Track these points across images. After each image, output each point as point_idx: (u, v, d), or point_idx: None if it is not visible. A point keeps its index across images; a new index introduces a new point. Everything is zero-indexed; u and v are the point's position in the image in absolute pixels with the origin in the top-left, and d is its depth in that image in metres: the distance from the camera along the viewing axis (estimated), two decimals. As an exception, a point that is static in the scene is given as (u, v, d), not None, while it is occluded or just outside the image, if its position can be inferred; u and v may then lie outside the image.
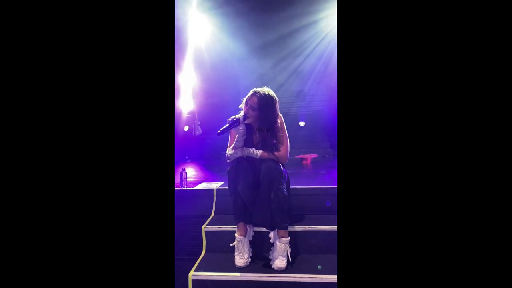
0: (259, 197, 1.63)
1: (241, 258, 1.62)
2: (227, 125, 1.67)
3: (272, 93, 1.71)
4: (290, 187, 1.81)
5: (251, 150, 1.69)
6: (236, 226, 1.70)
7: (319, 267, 1.48)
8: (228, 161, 1.73)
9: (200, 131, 4.19)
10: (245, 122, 1.69)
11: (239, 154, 1.69)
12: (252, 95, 1.70)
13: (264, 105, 1.67)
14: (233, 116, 1.68)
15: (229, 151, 1.72)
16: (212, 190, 2.12)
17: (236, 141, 1.69)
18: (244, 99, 1.73)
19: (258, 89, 1.70)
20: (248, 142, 1.73)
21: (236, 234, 1.66)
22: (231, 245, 1.67)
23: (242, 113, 1.69)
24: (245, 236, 1.66)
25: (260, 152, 1.69)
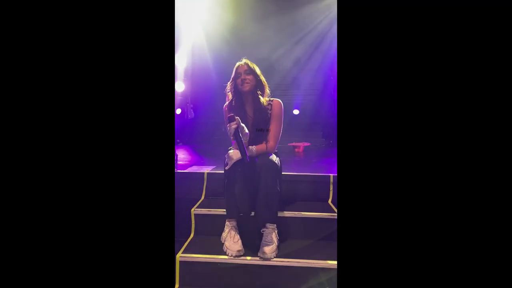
0: (257, 195, 1.59)
1: (236, 242, 1.58)
2: (232, 137, 1.51)
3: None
4: (282, 173, 1.81)
5: (249, 148, 1.63)
6: (225, 210, 1.70)
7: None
8: (226, 164, 1.63)
9: (193, 114, 4.14)
10: (244, 89, 1.68)
11: (237, 156, 1.58)
12: (239, 66, 1.73)
13: (254, 69, 1.73)
14: (234, 126, 1.49)
15: (231, 153, 1.61)
16: (203, 173, 2.10)
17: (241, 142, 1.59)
18: (229, 83, 1.76)
19: (242, 60, 1.76)
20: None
21: (227, 222, 1.65)
22: (222, 238, 1.64)
23: (233, 125, 1.50)
24: (236, 222, 1.65)
25: (254, 148, 1.65)
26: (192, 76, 4.26)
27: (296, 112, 4.45)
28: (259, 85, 1.74)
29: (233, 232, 1.61)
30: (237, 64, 1.75)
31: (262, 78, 1.76)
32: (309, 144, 3.67)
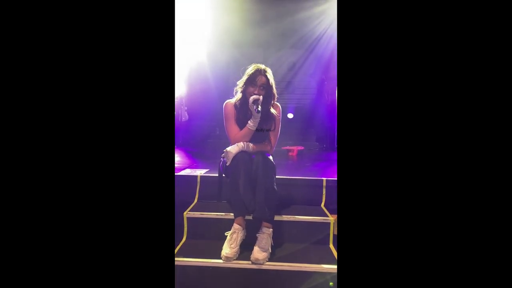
0: (257, 191, 1.59)
1: (232, 248, 1.56)
2: (253, 105, 1.64)
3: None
4: (276, 176, 1.81)
5: (245, 144, 1.67)
6: (218, 212, 1.70)
7: (331, 284, 1.47)
8: (225, 159, 1.65)
9: (187, 117, 4.13)
10: (250, 102, 1.67)
11: (236, 150, 1.64)
12: (259, 77, 1.68)
13: (270, 85, 1.71)
14: (254, 98, 1.64)
15: (229, 149, 1.65)
16: (196, 176, 2.10)
17: (252, 126, 1.66)
18: (245, 78, 1.71)
19: (262, 67, 1.71)
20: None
21: (234, 224, 1.62)
22: (226, 233, 1.63)
23: (252, 98, 1.64)
24: (243, 228, 1.63)
25: (251, 145, 1.68)
26: (188, 79, 4.25)
27: (290, 116, 4.47)
28: (266, 102, 1.71)
29: (234, 236, 1.59)
30: (257, 69, 1.69)
31: (275, 91, 1.74)
32: (302, 148, 3.68)
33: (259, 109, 1.63)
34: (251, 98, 1.64)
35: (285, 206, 1.94)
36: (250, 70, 1.71)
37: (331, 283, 1.46)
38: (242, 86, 1.72)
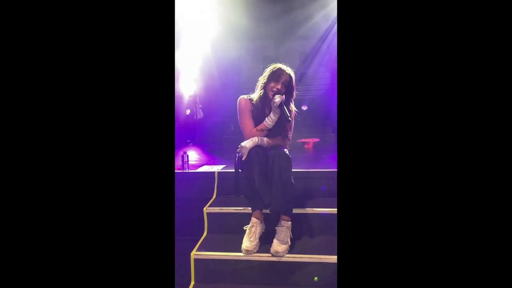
0: (273, 184, 1.60)
1: (252, 241, 1.59)
2: (277, 109, 1.66)
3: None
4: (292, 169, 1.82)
5: (260, 139, 1.68)
6: (236, 207, 1.73)
7: (315, 279, 1.50)
8: (241, 153, 1.67)
9: (202, 115, 4.18)
10: (273, 101, 1.67)
11: (250, 144, 1.66)
12: (283, 72, 1.69)
13: (293, 85, 1.72)
14: (278, 99, 1.64)
15: (244, 143, 1.67)
16: (213, 172, 2.14)
17: (270, 124, 1.68)
18: (267, 74, 1.71)
19: (283, 66, 1.71)
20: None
21: (252, 217, 1.65)
22: (244, 227, 1.66)
23: (278, 97, 1.64)
24: (261, 221, 1.66)
25: (266, 139, 1.69)
26: (200, 77, 4.30)
27: (304, 108, 4.43)
28: (290, 96, 1.73)
29: (253, 230, 1.62)
30: (281, 67, 1.70)
31: (295, 92, 1.75)
32: (318, 140, 3.65)
33: (289, 118, 1.63)
34: (277, 98, 1.62)
35: (303, 198, 1.94)
36: (273, 67, 1.71)
37: (315, 278, 1.49)
38: (264, 82, 1.72)
